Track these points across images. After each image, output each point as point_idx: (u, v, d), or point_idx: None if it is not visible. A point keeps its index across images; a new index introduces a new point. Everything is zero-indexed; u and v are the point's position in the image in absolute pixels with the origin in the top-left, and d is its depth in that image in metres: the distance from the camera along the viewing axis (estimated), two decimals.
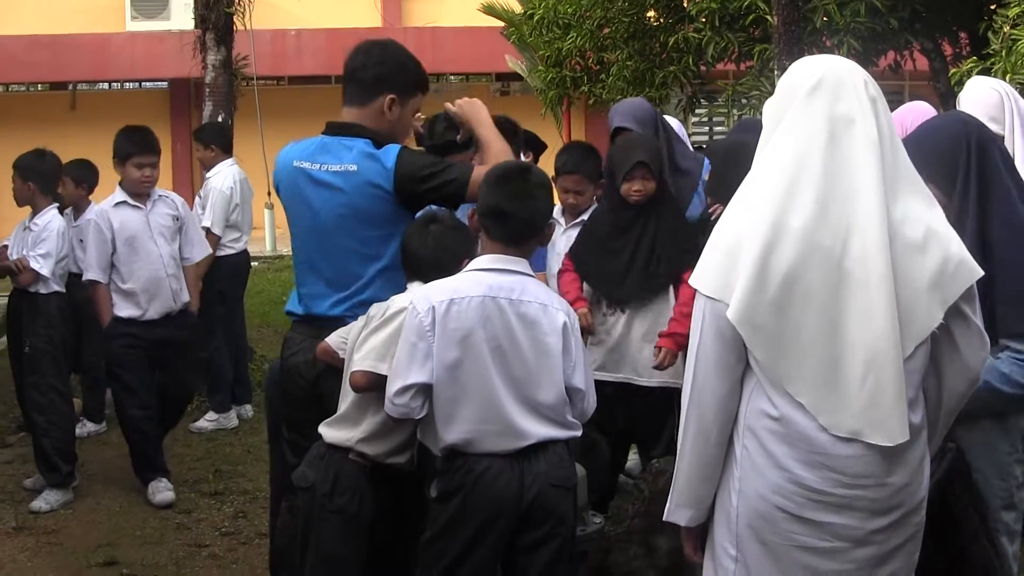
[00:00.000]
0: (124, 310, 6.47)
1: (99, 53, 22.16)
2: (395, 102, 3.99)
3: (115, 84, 24.79)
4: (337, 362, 3.81)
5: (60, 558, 5.61)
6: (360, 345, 3.66)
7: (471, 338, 3.40)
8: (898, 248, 2.65)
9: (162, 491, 6.35)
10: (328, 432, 3.77)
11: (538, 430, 3.44)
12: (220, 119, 9.59)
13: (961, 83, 9.29)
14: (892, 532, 2.74)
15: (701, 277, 2.76)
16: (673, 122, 6.06)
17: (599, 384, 4.98)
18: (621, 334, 5.00)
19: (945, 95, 9.18)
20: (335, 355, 3.82)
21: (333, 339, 3.85)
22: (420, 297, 3.48)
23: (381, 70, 4.00)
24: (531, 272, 3.52)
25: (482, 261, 3.51)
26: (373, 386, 3.56)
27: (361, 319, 3.75)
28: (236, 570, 5.40)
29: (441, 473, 3.52)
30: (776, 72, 8.25)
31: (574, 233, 5.35)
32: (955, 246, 2.74)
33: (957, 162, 3.40)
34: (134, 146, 6.47)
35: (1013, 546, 3.58)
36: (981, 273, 2.76)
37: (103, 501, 6.46)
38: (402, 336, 3.47)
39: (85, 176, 7.61)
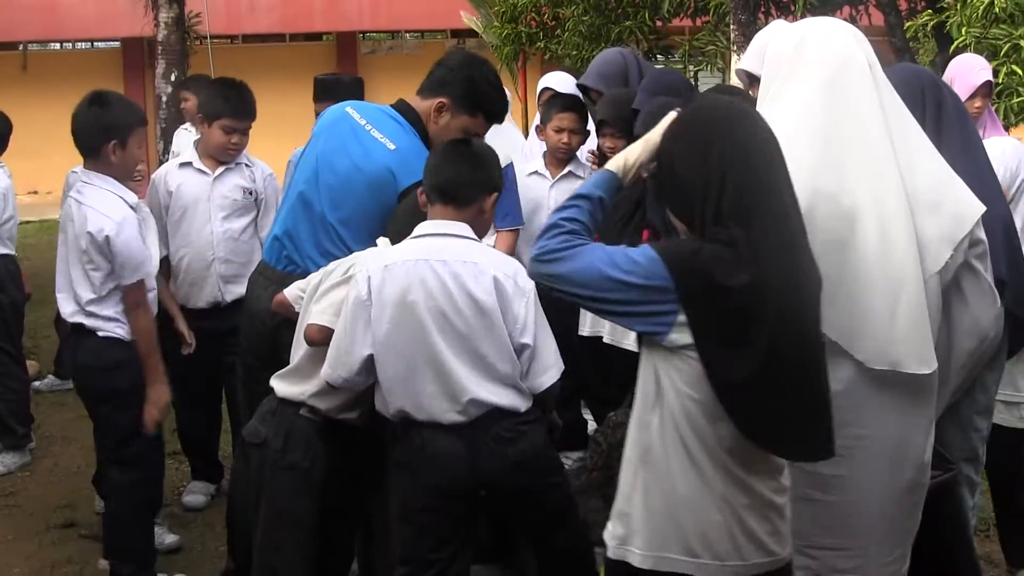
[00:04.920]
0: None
1: (50, 12, 21.81)
2: (444, 107, 3.96)
3: (67, 44, 24.47)
4: (292, 315, 3.80)
5: (18, 520, 5.60)
6: (319, 298, 3.63)
7: (405, 302, 3.39)
8: (906, 186, 2.68)
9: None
10: (280, 386, 3.76)
11: (490, 392, 3.42)
12: (173, 78, 9.54)
13: (916, 37, 9.37)
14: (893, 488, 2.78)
15: None
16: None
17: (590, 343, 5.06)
18: None
19: (901, 50, 9.21)
20: (291, 308, 3.82)
21: (291, 291, 3.84)
22: (362, 267, 3.50)
23: (443, 73, 4.00)
24: (472, 236, 3.50)
25: (421, 227, 3.52)
26: (327, 341, 3.55)
27: (320, 272, 3.73)
28: (195, 529, 5.40)
29: (397, 440, 3.54)
30: (732, 27, 8.25)
31: (565, 185, 5.28)
32: (956, 183, 2.78)
33: (912, 110, 3.43)
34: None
35: (974, 498, 3.62)
36: (983, 208, 2.78)
37: (61, 462, 6.44)
38: (346, 308, 3.48)
39: None
